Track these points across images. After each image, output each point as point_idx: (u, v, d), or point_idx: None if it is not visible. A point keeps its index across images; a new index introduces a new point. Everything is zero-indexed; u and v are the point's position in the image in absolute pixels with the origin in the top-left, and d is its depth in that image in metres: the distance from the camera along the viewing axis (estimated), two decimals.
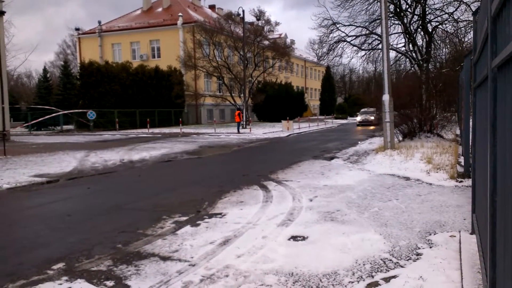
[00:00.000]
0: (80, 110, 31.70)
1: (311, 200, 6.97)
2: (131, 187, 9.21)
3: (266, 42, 40.42)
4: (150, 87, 35.59)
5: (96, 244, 5.05)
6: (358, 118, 34.56)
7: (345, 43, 27.12)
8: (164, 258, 4.47)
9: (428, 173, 9.02)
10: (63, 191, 8.82)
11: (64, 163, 12.75)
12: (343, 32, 27.17)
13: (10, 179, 9.83)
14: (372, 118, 30.61)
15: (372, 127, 28.77)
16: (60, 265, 4.36)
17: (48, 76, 49.80)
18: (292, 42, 52.70)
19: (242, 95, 36.69)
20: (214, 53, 37.02)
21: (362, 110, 35.13)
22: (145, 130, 30.34)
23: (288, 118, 30.68)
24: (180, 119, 32.83)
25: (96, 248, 4.90)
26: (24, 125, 33.46)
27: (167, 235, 5.29)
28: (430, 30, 26.61)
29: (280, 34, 52.60)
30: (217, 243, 4.90)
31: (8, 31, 31.23)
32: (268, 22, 39.37)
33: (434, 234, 4.99)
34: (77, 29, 49.46)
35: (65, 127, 33.71)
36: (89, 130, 30.70)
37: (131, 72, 35.05)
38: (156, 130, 30.48)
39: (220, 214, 6.28)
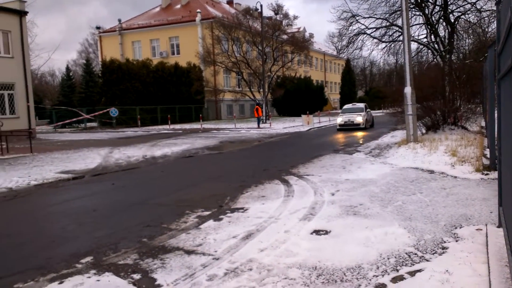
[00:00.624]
0: (104, 111, 32.25)
1: (333, 194, 6.94)
2: (154, 182, 9.36)
3: (285, 37, 40.20)
4: (170, 83, 35.94)
5: (122, 239, 5.16)
6: (339, 120, 23.24)
7: (365, 35, 26.76)
8: (189, 252, 4.54)
9: (453, 166, 8.84)
10: (89, 187, 9.04)
11: (88, 159, 13.04)
12: (363, 24, 26.77)
13: (38, 175, 10.12)
14: (360, 118, 22.45)
15: (360, 134, 19.87)
16: (88, 258, 4.48)
17: (71, 74, 50.82)
18: (311, 35, 52.27)
19: (261, 90, 36.67)
20: (232, 48, 37.07)
21: (346, 106, 25.45)
22: (166, 126, 30.69)
23: (308, 112, 30.49)
24: (200, 115, 33.07)
25: (122, 242, 5.01)
26: (54, 125, 34.29)
27: (190, 230, 5.37)
28: (452, 20, 25.95)
29: (299, 28, 52.22)
30: (240, 237, 4.94)
31: (31, 31, 32.07)
32: (286, 16, 39.13)
33: (460, 228, 4.91)
34: (98, 28, 50.26)
35: (89, 124, 34.42)
36: (112, 127, 31.25)
37: (151, 69, 35.46)
38: (177, 126, 30.80)
39: (242, 208, 6.32)
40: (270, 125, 28.57)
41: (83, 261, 4.42)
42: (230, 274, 3.88)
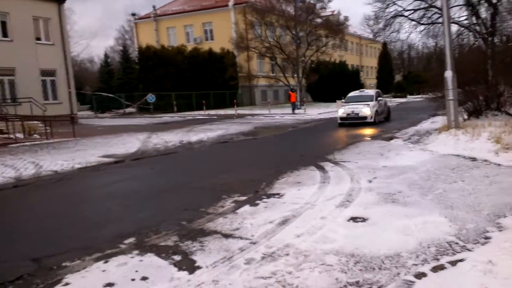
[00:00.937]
0: (143, 99, 32.99)
1: (370, 181, 6.84)
2: (191, 167, 9.56)
3: (319, 20, 39.36)
4: (204, 69, 36.23)
5: (163, 221, 5.34)
6: (340, 112, 18.13)
7: (402, 17, 25.71)
8: (226, 236, 4.63)
9: (497, 153, 8.48)
10: (129, 171, 9.36)
11: (128, 144, 13.45)
12: (400, 6, 25.60)
13: (81, 159, 10.57)
14: (368, 110, 17.29)
15: (369, 131, 15.01)
16: (131, 239, 4.67)
17: (109, 61, 52.26)
18: (346, 18, 50.80)
19: (295, 75, 36.29)
20: (266, 33, 36.76)
21: (351, 94, 19.71)
22: (201, 112, 31.08)
23: (343, 98, 29.97)
24: (235, 101, 33.22)
25: (163, 224, 5.18)
26: (119, 111, 35.36)
27: (227, 214, 5.47)
28: (494, 1, 24.49)
29: (333, 11, 50.91)
30: (276, 222, 4.99)
31: (69, 18, 33.02)
32: None
33: (504, 217, 4.73)
34: (133, 14, 51.09)
35: (128, 110, 35.41)
36: (149, 113, 31.99)
37: (185, 55, 35.85)
38: (212, 112, 31.14)
39: (278, 194, 6.36)
40: (305, 111, 28.33)
41: (126, 241, 4.61)
42: (267, 258, 3.94)
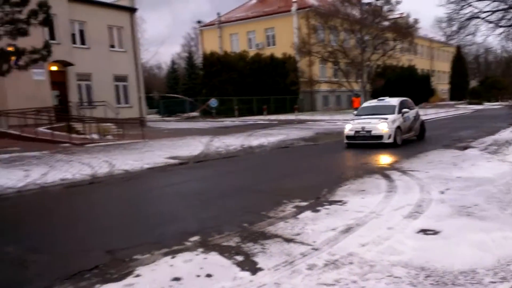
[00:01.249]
0: (206, 104, 34.07)
1: (442, 193, 6.44)
2: (252, 171, 9.66)
3: (386, 23, 38.13)
4: (266, 75, 36.60)
5: (225, 222, 5.43)
6: (347, 129, 13.10)
7: (478, 19, 24.15)
8: (287, 240, 4.60)
9: None
10: (193, 172, 9.68)
11: (192, 147, 13.91)
12: (476, 7, 24.13)
13: (149, 160, 11.10)
14: (384, 126, 12.36)
15: (388, 159, 10.40)
16: (196, 238, 4.80)
17: (175, 67, 54.61)
18: (416, 21, 48.73)
19: (359, 80, 35.43)
20: (329, 37, 36.34)
21: (366, 104, 14.91)
22: (262, 117, 31.36)
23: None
24: (295, 106, 33.14)
25: (225, 225, 5.27)
26: (163, 116, 37.23)
27: (288, 219, 5.44)
28: None
29: (402, 13, 48.96)
30: (339, 230, 4.87)
31: (140, 26, 34.94)
32: (387, 1, 37.04)
33: None
34: (199, 22, 52.97)
35: (191, 114, 36.72)
36: (212, 117, 32.90)
37: (247, 61, 36.48)
38: (272, 117, 31.30)
39: (340, 201, 6.21)
40: None
41: (191, 239, 4.75)
42: (330, 266, 3.85)
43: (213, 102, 32.39)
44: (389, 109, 13.05)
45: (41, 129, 16.59)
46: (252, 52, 39.02)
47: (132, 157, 11.69)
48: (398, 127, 12.62)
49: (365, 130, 12.51)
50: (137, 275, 3.81)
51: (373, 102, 14.60)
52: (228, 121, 28.70)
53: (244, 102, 34.93)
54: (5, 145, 14.05)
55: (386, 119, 12.49)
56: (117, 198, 7.59)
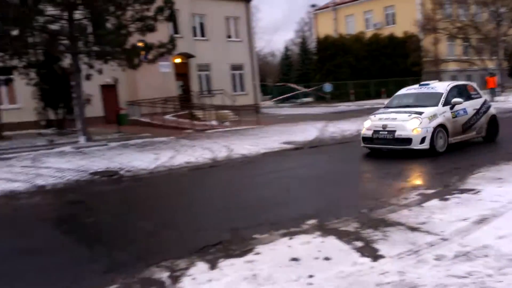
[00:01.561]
0: (317, 87, 33.80)
1: None
2: (370, 156, 9.28)
3: None
4: (384, 56, 34.76)
5: (342, 207, 5.35)
6: (366, 125, 9.23)
7: None
8: (412, 229, 4.33)
9: None
10: (308, 157, 9.72)
11: (306, 132, 13.94)
12: None
13: (265, 145, 11.46)
14: (415, 123, 8.37)
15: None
16: (313, 221, 4.80)
17: (288, 53, 55.04)
18: None
19: (494, 57, 31.39)
20: (457, 12, 32.77)
21: (402, 91, 10.60)
22: (380, 101, 29.83)
23: None
24: None
25: (342, 210, 5.17)
26: (274, 99, 38.27)
27: (412, 206, 5.11)
28: None
29: None
30: (471, 220, 4.41)
31: (255, 15, 35.85)
32: None
33: None
34: (313, 6, 52.36)
35: (305, 99, 36.78)
36: (326, 102, 32.52)
37: (364, 42, 35.00)
38: None
39: (472, 190, 5.61)
40: (506, 98, 24.29)
41: (308, 222, 4.76)
42: (460, 257, 3.52)
43: (328, 87, 31.90)
44: (431, 99, 9.10)
45: (167, 116, 18.33)
46: (369, 33, 37.32)
47: (248, 142, 12.19)
48: (442, 126, 8.60)
49: (386, 129, 8.71)
50: (257, 253, 3.97)
51: (412, 89, 10.44)
52: (343, 106, 28.05)
53: (360, 86, 33.75)
54: (138, 132, 15.86)
55: (421, 114, 8.52)
56: (236, 180, 8.01)
